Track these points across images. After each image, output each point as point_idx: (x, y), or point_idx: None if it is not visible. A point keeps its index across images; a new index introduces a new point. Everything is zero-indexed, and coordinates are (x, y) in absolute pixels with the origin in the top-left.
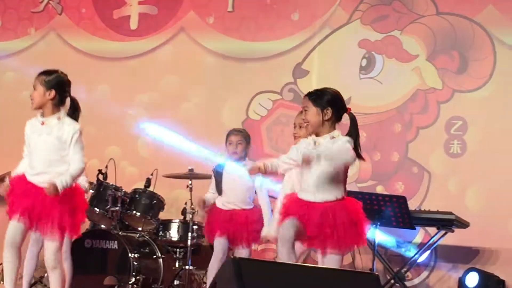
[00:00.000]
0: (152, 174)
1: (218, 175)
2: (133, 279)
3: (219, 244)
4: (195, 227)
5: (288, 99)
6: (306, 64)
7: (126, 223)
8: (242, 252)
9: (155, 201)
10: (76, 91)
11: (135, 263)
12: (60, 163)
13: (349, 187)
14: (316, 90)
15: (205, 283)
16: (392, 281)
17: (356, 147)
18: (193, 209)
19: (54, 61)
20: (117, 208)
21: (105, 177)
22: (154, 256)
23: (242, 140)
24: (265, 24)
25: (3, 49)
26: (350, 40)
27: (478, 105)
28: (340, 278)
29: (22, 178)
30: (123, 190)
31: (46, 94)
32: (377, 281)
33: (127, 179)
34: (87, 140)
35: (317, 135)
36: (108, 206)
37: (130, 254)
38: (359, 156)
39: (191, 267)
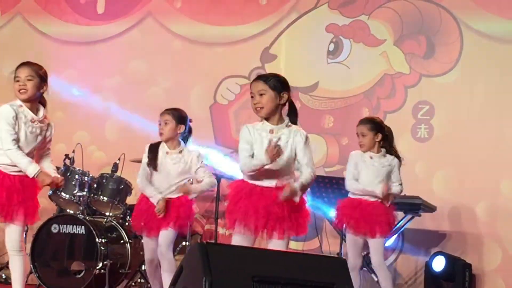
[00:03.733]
0: (119, 159)
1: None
2: (100, 264)
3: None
4: None
5: None
6: (274, 49)
7: (94, 208)
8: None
9: (122, 186)
10: None
11: (102, 248)
12: None
13: (316, 172)
14: (271, 74)
15: None
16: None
17: None
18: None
19: (21, 45)
20: (84, 193)
21: (72, 162)
22: (122, 241)
23: (169, 119)
24: (232, 8)
25: None
26: (318, 24)
27: (445, 90)
28: (307, 262)
29: None
30: (90, 175)
31: (39, 87)
32: (344, 265)
33: (94, 164)
34: (55, 124)
35: (267, 119)
36: (75, 191)
37: (97, 239)
38: None
39: None
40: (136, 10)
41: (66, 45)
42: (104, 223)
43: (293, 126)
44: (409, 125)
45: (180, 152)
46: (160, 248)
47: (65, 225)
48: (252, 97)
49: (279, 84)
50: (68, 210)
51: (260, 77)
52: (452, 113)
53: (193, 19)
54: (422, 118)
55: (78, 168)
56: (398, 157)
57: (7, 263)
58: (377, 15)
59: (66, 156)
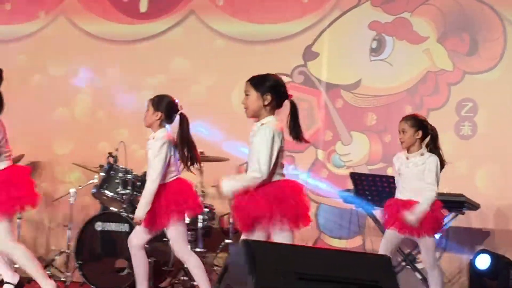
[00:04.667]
0: None
1: None
2: None
3: None
4: (205, 209)
5: (298, 82)
6: (316, 47)
7: (137, 206)
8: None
9: None
10: (85, 74)
11: (146, 246)
12: None
13: (359, 169)
14: (258, 76)
15: (215, 265)
16: (403, 263)
17: (296, 132)
18: (203, 191)
19: (64, 44)
20: (128, 191)
21: (116, 160)
22: (165, 239)
23: (149, 105)
24: (274, 6)
25: (14, 32)
26: (360, 22)
27: (488, 87)
28: (351, 260)
29: None
30: (134, 172)
31: None
32: (388, 263)
33: (138, 162)
34: (97, 123)
35: (257, 120)
36: (119, 189)
37: None
38: (298, 139)
39: (202, 250)
40: (178, 8)
41: (109, 44)
42: None
43: (267, 123)
44: (452, 122)
45: (154, 138)
46: (175, 252)
47: (108, 223)
48: None
49: (262, 85)
50: (111, 208)
51: (249, 78)
52: (495, 110)
53: (235, 17)
54: (466, 116)
55: (121, 166)
56: (441, 158)
57: (52, 260)
58: (419, 12)
59: (110, 154)
